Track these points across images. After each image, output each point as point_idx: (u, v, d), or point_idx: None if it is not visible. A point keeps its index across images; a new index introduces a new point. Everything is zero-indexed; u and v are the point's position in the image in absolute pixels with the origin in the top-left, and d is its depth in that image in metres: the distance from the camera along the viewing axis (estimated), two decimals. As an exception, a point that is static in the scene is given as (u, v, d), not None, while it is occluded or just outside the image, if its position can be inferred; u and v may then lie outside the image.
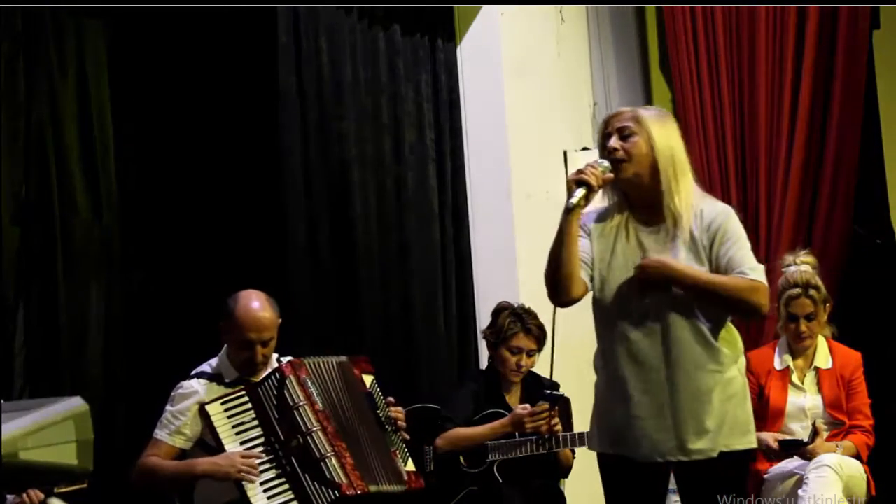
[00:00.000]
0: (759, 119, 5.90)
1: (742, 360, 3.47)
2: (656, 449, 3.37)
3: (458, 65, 5.73)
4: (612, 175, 3.37)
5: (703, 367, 3.37)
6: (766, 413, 4.75)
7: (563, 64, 6.04)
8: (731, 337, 3.45)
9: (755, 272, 3.37)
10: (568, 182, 3.37)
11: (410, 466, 4.12)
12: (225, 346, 4.11)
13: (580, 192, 3.32)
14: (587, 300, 3.50)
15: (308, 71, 5.04)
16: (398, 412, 4.17)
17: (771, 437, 4.63)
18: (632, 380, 3.38)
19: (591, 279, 3.44)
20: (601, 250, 3.44)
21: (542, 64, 5.92)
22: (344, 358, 4.17)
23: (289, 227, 4.92)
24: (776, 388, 4.76)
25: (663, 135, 3.43)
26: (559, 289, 3.38)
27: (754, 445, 3.48)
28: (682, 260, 3.37)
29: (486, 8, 5.73)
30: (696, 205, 3.43)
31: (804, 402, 4.76)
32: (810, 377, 4.79)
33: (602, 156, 3.44)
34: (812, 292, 4.73)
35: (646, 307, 3.37)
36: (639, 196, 3.44)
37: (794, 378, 4.78)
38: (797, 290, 4.73)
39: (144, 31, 4.74)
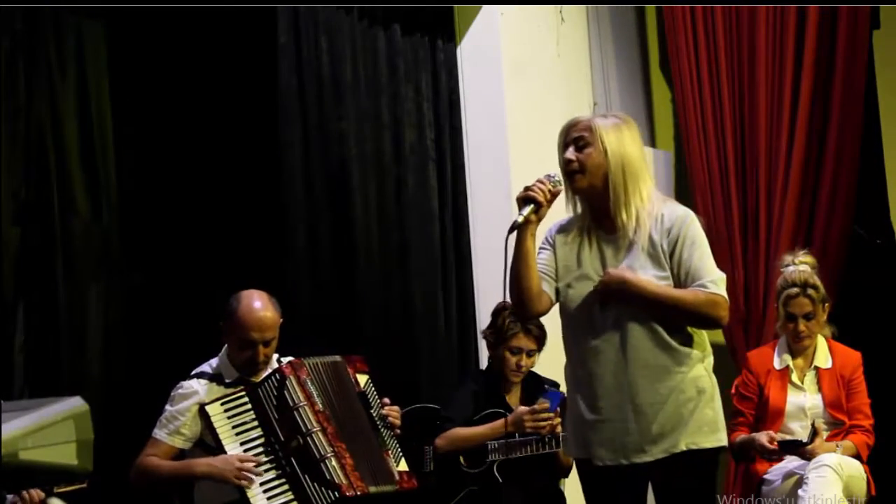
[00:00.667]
0: (759, 119, 5.90)
1: (709, 359, 3.51)
2: (620, 452, 3.42)
3: (458, 65, 5.73)
4: (560, 189, 3.44)
5: (664, 369, 3.40)
6: (766, 413, 4.75)
7: (563, 64, 6.04)
8: (698, 337, 3.48)
9: (715, 285, 3.41)
10: (517, 199, 3.45)
11: (403, 466, 4.11)
12: (225, 346, 4.10)
13: (527, 210, 3.41)
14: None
15: (308, 71, 5.04)
16: (393, 410, 4.17)
17: (766, 437, 4.63)
18: (595, 386, 3.43)
19: (557, 290, 3.50)
20: (566, 260, 3.50)
21: (542, 64, 5.92)
22: (338, 358, 4.17)
23: (289, 227, 4.92)
24: (776, 387, 4.76)
25: (616, 143, 3.44)
26: (522, 304, 3.49)
27: (723, 443, 3.49)
28: (643, 266, 3.41)
29: (486, 8, 5.73)
30: (656, 209, 3.45)
31: (804, 402, 4.76)
32: (810, 377, 4.79)
33: (560, 165, 3.49)
34: (810, 291, 4.72)
35: (606, 314, 3.42)
36: (598, 205, 3.48)
37: (794, 377, 4.78)
38: (795, 290, 4.73)
39: (144, 32, 4.74)
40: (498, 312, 4.87)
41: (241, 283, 4.19)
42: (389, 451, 4.09)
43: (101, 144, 4.58)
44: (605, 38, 6.29)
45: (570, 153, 3.45)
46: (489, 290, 5.53)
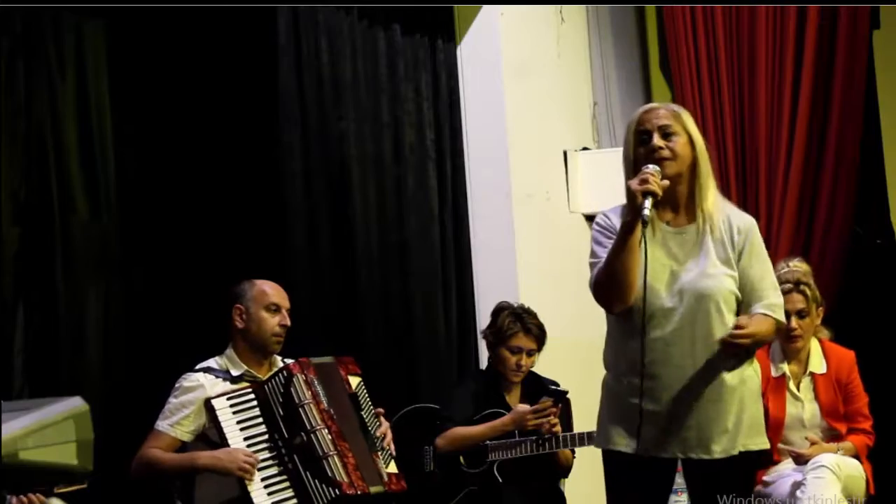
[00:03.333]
0: (759, 119, 5.90)
1: (756, 360, 3.49)
2: (679, 446, 3.36)
3: (458, 65, 5.73)
4: (666, 182, 3.31)
5: (727, 366, 3.37)
6: (767, 422, 4.73)
7: (563, 64, 6.05)
8: None
9: (777, 309, 3.41)
10: (633, 191, 3.26)
11: (393, 468, 4.12)
12: (231, 344, 4.11)
13: (650, 202, 3.24)
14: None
15: (308, 71, 5.04)
16: (379, 412, 4.20)
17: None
18: (659, 379, 3.35)
19: None
20: None
21: (542, 64, 5.93)
22: (330, 359, 4.18)
23: (289, 226, 4.92)
24: (774, 397, 4.72)
25: (699, 135, 3.43)
26: (621, 298, 3.33)
27: (767, 446, 3.49)
28: (714, 264, 3.36)
29: (486, 8, 5.73)
30: (722, 209, 3.43)
31: (802, 412, 4.74)
32: (806, 383, 4.76)
33: (633, 153, 3.39)
34: (803, 288, 4.71)
35: (679, 308, 3.35)
36: (669, 196, 3.38)
37: (791, 385, 4.75)
38: (788, 286, 4.71)
39: (144, 32, 4.73)
40: (498, 312, 4.87)
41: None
42: (379, 453, 4.09)
43: (101, 144, 4.58)
44: (605, 38, 6.29)
45: (659, 140, 3.36)
46: (489, 290, 5.54)
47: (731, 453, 3.37)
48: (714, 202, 3.41)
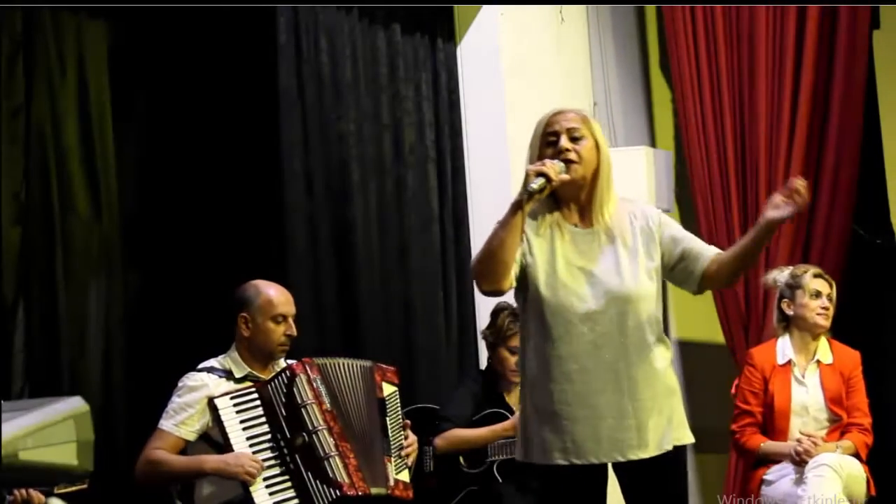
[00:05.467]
0: (759, 119, 5.90)
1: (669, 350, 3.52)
2: (616, 448, 3.35)
3: (458, 65, 5.73)
4: (566, 176, 3.34)
5: (658, 362, 3.39)
6: (772, 410, 4.76)
7: (563, 64, 6.05)
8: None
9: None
10: (527, 171, 3.32)
11: (404, 477, 4.11)
12: (234, 344, 4.12)
13: (539, 182, 3.29)
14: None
15: (308, 71, 5.04)
16: (406, 424, 4.22)
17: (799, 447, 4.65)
18: (591, 383, 3.34)
19: (519, 275, 3.38)
20: (542, 249, 3.40)
21: (542, 64, 5.93)
22: (369, 363, 4.20)
23: (289, 226, 4.92)
24: (780, 383, 4.77)
25: (605, 143, 3.46)
26: (494, 277, 3.32)
27: (693, 440, 3.47)
28: (623, 261, 3.38)
29: (486, 8, 5.73)
30: (626, 212, 3.45)
31: (805, 398, 4.77)
32: (812, 370, 4.80)
33: (539, 154, 3.41)
34: (827, 277, 4.83)
35: (606, 309, 3.34)
36: (573, 199, 3.43)
37: (797, 372, 4.79)
38: (817, 271, 4.82)
39: (145, 31, 4.74)
40: (497, 312, 4.88)
41: (241, 283, 4.20)
42: (391, 458, 4.09)
43: (101, 144, 4.58)
44: (605, 38, 6.29)
45: (567, 142, 3.39)
46: (489, 291, 5.53)
47: (666, 449, 3.37)
48: (614, 213, 3.42)
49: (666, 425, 3.38)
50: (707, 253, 3.44)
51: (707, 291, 3.57)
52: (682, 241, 3.45)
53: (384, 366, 4.26)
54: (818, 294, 4.79)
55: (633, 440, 3.35)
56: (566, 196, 3.42)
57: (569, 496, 3.41)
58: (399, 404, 4.20)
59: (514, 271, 3.35)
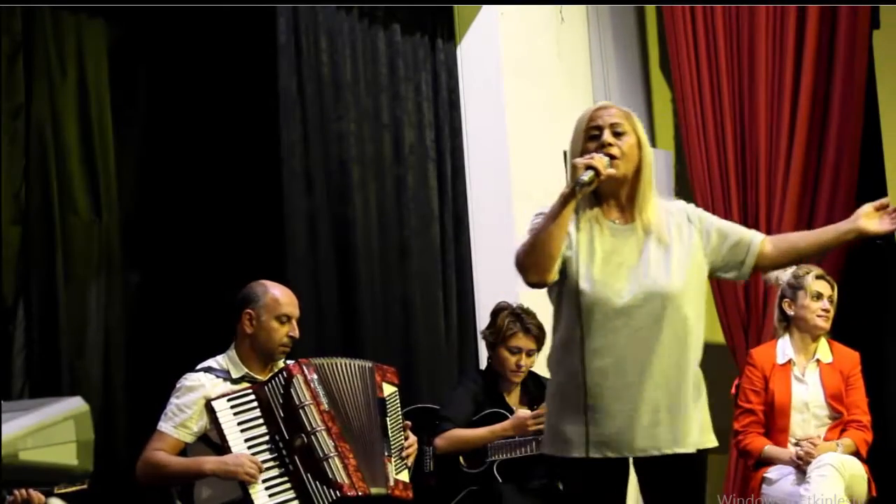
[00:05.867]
0: (759, 119, 5.90)
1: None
2: (651, 443, 3.33)
3: (458, 65, 5.73)
4: (612, 171, 3.33)
5: (693, 360, 3.39)
6: (773, 409, 4.76)
7: (563, 64, 6.04)
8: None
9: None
10: (575, 164, 3.30)
11: (404, 477, 4.12)
12: (233, 344, 4.12)
13: (589, 175, 3.27)
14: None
15: (308, 71, 5.04)
16: (406, 425, 4.22)
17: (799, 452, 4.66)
18: (627, 376, 3.33)
19: (561, 267, 3.37)
20: (582, 243, 3.38)
21: (542, 64, 5.92)
22: (370, 363, 4.20)
23: (289, 226, 4.92)
24: (780, 381, 4.78)
25: (647, 140, 3.45)
26: (541, 269, 3.32)
27: (717, 443, 3.47)
28: (661, 258, 3.37)
29: (486, 8, 5.72)
30: (664, 211, 3.46)
31: (806, 395, 4.78)
32: (812, 368, 4.81)
33: (581, 148, 3.40)
34: (829, 279, 4.85)
35: (643, 305, 3.33)
36: (613, 194, 3.42)
37: (797, 370, 4.80)
38: (819, 272, 4.83)
39: (145, 31, 4.74)
40: (497, 312, 4.88)
41: (241, 283, 4.20)
42: (391, 458, 4.09)
43: (101, 144, 4.58)
44: (605, 38, 6.29)
45: (610, 136, 3.38)
46: (489, 290, 5.53)
47: (697, 447, 3.37)
48: (654, 212, 3.43)
49: (697, 424, 3.38)
50: (756, 238, 3.47)
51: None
52: (729, 231, 3.48)
53: (384, 366, 4.26)
54: (819, 296, 4.80)
55: (668, 435, 3.34)
56: (607, 191, 3.41)
57: (596, 490, 3.41)
58: (399, 405, 4.21)
59: (558, 263, 3.34)
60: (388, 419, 4.13)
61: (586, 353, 3.34)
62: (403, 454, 4.15)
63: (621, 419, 3.32)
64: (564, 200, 3.27)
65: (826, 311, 4.80)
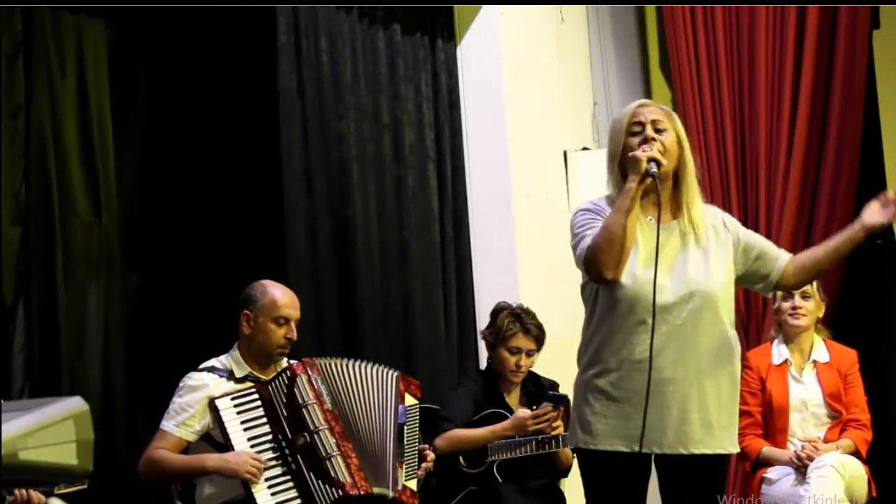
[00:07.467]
0: (759, 119, 5.90)
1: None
2: (680, 440, 3.34)
3: (458, 65, 5.73)
4: (665, 161, 3.36)
5: (728, 359, 3.40)
6: (771, 409, 4.76)
7: (563, 64, 6.05)
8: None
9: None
10: (638, 158, 3.30)
11: (412, 485, 4.12)
12: (236, 344, 4.12)
13: (656, 166, 3.30)
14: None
15: (308, 71, 5.04)
16: (425, 448, 4.24)
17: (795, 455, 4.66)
18: (662, 372, 3.32)
19: None
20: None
21: (542, 64, 5.93)
22: (397, 372, 4.23)
23: (289, 227, 4.92)
24: (777, 381, 4.78)
25: (686, 138, 3.47)
26: (616, 263, 3.30)
27: (738, 449, 3.48)
28: (700, 257, 3.39)
29: (486, 8, 5.73)
30: (705, 213, 3.48)
31: (804, 394, 4.77)
32: (809, 369, 4.81)
33: (623, 144, 3.40)
34: None
35: (680, 304, 3.34)
36: (654, 192, 3.38)
37: (793, 370, 4.80)
38: None
39: (144, 31, 4.74)
40: (497, 312, 4.88)
41: (241, 283, 4.20)
42: (402, 463, 4.09)
43: (101, 144, 4.58)
44: (605, 38, 6.29)
45: (652, 132, 3.38)
46: (489, 290, 5.54)
47: (725, 450, 3.38)
48: (701, 211, 3.45)
49: (727, 426, 3.38)
50: (783, 255, 3.52)
51: None
52: (757, 244, 3.52)
53: (411, 378, 4.29)
54: (789, 296, 4.79)
55: (697, 434, 3.34)
56: (648, 189, 3.38)
57: (620, 485, 3.41)
58: (418, 418, 4.22)
59: None
60: (405, 427, 4.13)
61: (623, 348, 3.35)
62: (420, 473, 4.16)
63: (652, 415, 3.31)
64: (632, 194, 3.29)
65: (797, 308, 4.77)
